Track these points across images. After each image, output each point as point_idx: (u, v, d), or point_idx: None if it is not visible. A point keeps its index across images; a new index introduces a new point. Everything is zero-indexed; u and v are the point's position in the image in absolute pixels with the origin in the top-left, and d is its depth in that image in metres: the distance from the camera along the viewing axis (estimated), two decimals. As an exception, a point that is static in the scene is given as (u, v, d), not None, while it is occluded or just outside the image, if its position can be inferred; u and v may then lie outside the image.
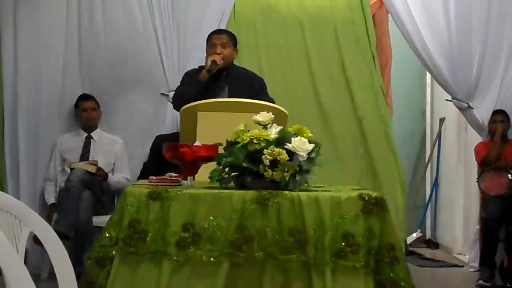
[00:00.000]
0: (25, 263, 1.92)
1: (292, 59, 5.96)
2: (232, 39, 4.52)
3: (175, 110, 5.28)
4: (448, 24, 5.67)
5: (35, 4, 5.29)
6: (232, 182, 2.87)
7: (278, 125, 2.91)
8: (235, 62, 4.63)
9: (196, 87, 4.31)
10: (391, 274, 2.68)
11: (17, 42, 5.34)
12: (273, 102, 4.19)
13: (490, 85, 5.80)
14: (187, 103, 3.80)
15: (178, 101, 4.29)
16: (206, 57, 4.43)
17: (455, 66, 5.70)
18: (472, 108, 5.76)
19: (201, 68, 4.48)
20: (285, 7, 6.03)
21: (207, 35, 5.38)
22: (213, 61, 4.31)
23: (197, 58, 5.42)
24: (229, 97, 4.33)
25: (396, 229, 2.84)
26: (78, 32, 5.45)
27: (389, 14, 6.03)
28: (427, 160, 7.49)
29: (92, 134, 5.33)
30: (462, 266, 6.18)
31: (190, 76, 4.52)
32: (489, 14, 5.71)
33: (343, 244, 2.67)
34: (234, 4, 5.70)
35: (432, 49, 5.67)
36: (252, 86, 4.44)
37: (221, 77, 4.41)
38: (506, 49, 5.80)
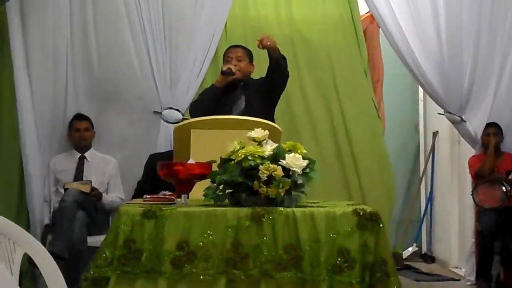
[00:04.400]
0: (20, 285, 1.91)
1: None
2: (248, 54, 4.66)
3: (167, 129, 5.34)
4: (438, 37, 5.69)
5: (22, 26, 5.28)
6: (226, 200, 2.87)
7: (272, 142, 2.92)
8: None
9: (212, 94, 4.49)
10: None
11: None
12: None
13: (482, 98, 5.81)
14: (203, 108, 3.93)
15: (195, 108, 4.55)
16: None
17: (447, 79, 5.72)
18: (465, 121, 5.77)
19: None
20: (276, 25, 6.04)
21: (198, 53, 5.44)
22: (229, 68, 4.44)
23: (189, 75, 5.44)
24: (245, 107, 4.45)
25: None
26: (71, 52, 5.43)
27: (380, 29, 6.06)
28: (421, 174, 7.49)
29: (85, 154, 5.31)
30: (458, 280, 6.16)
31: (207, 89, 4.70)
32: (480, 26, 5.73)
33: (339, 259, 2.67)
34: (226, 23, 5.71)
35: (423, 63, 5.68)
36: (264, 88, 4.54)
37: (237, 88, 4.54)
38: (498, 62, 5.81)
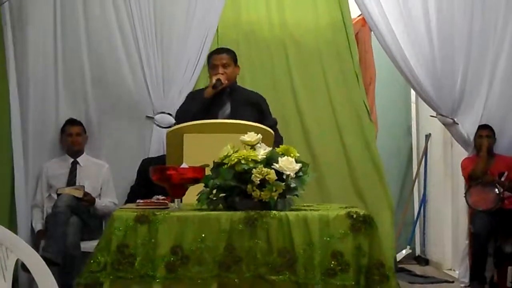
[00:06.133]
0: (12, 291, 1.90)
1: (276, 81, 5.96)
2: (232, 57, 4.59)
3: (160, 134, 5.34)
4: (430, 40, 5.71)
5: (13, 30, 5.28)
6: (220, 204, 2.86)
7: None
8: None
9: (199, 104, 4.40)
10: (381, 292, 2.67)
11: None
12: (276, 122, 4.45)
13: (474, 100, 5.82)
14: (191, 120, 3.89)
15: (183, 117, 4.36)
16: (209, 77, 4.53)
17: (439, 81, 5.73)
18: (457, 123, 5.78)
19: (204, 88, 4.56)
20: (268, 29, 6.04)
21: (190, 57, 5.41)
22: (218, 79, 4.39)
23: (181, 79, 5.43)
24: (231, 112, 4.41)
25: (385, 247, 2.84)
26: (62, 56, 5.43)
27: (372, 32, 6.07)
28: (414, 176, 7.50)
29: (78, 159, 5.30)
30: (452, 282, 6.17)
31: (194, 95, 4.64)
32: (471, 28, 5.75)
33: (333, 263, 2.67)
34: (218, 26, 5.71)
35: (414, 65, 5.70)
36: (255, 104, 4.51)
37: (223, 94, 4.47)
38: (490, 64, 5.83)
